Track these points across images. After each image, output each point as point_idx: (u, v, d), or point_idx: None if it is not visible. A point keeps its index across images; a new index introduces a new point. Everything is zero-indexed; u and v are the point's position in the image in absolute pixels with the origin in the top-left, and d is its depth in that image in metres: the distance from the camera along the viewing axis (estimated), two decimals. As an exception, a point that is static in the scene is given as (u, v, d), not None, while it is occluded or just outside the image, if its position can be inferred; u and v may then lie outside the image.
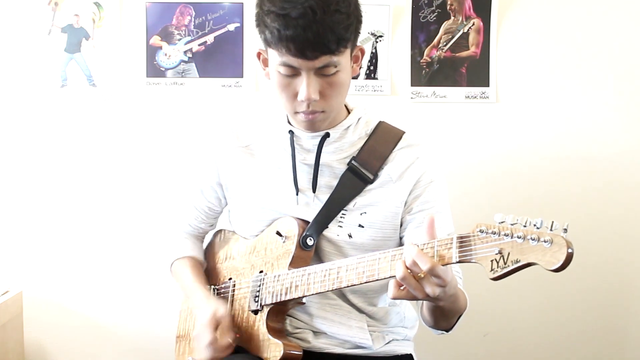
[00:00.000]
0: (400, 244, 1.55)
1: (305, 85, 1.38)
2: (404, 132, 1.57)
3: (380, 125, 1.57)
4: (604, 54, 2.22)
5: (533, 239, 1.09)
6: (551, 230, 1.08)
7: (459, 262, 1.19)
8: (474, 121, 2.23)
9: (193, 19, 2.18)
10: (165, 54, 2.19)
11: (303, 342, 1.52)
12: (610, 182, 2.24)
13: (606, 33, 2.21)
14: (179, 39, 2.18)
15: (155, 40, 2.19)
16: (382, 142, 1.54)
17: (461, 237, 1.19)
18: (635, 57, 2.23)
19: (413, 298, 1.26)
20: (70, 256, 2.22)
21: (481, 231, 1.16)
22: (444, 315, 1.43)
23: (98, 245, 2.22)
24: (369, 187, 1.50)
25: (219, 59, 2.19)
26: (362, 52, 1.49)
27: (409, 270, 1.22)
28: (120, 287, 2.23)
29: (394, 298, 1.26)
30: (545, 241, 1.07)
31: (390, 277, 1.28)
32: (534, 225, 1.10)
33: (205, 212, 1.72)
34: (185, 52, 2.19)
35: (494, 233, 1.14)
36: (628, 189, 2.25)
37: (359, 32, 1.43)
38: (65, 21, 2.17)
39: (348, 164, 1.51)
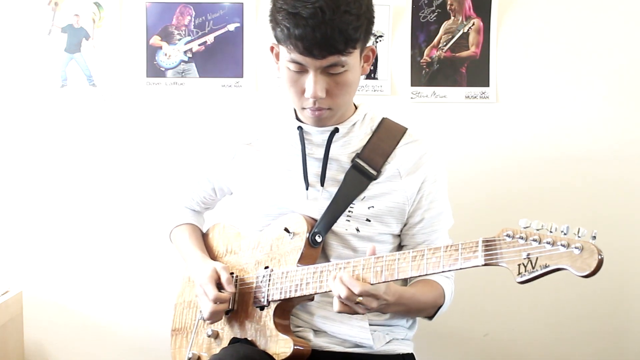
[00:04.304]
0: (399, 242, 1.60)
1: (312, 83, 1.41)
2: (406, 129, 1.61)
3: (384, 121, 1.61)
4: (604, 53, 2.22)
5: (563, 245, 1.11)
6: (579, 236, 1.10)
7: (485, 264, 1.21)
8: (474, 121, 2.23)
9: (193, 19, 2.18)
10: (165, 54, 2.19)
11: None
12: (610, 182, 2.24)
13: (606, 33, 2.21)
14: (179, 39, 2.18)
15: (155, 40, 2.19)
16: (385, 139, 1.57)
17: (487, 241, 1.21)
18: (635, 56, 2.23)
19: (355, 313, 1.36)
20: (70, 256, 2.22)
21: (508, 235, 1.18)
22: (406, 314, 1.58)
23: (98, 246, 2.22)
24: (374, 182, 1.53)
25: (219, 59, 2.19)
26: (373, 52, 1.52)
27: (347, 298, 1.33)
28: (120, 287, 2.23)
29: (339, 312, 1.36)
30: (576, 247, 1.10)
31: (410, 277, 1.31)
32: (561, 231, 1.12)
33: (202, 199, 1.78)
34: (185, 52, 2.19)
35: (522, 238, 1.16)
36: (629, 189, 2.25)
37: (370, 33, 1.45)
38: (65, 21, 2.17)
39: (352, 161, 1.54)
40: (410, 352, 1.61)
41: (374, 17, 1.45)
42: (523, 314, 2.27)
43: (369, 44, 1.48)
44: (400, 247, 1.61)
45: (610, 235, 2.24)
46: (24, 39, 2.16)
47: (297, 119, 1.57)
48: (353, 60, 1.42)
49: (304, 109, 1.49)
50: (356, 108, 1.59)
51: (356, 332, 1.52)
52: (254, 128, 1.65)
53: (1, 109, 2.19)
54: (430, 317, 1.59)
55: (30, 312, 2.21)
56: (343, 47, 1.37)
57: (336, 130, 1.53)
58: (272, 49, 1.52)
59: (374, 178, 1.53)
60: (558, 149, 2.23)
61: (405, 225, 1.57)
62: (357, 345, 1.53)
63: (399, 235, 1.59)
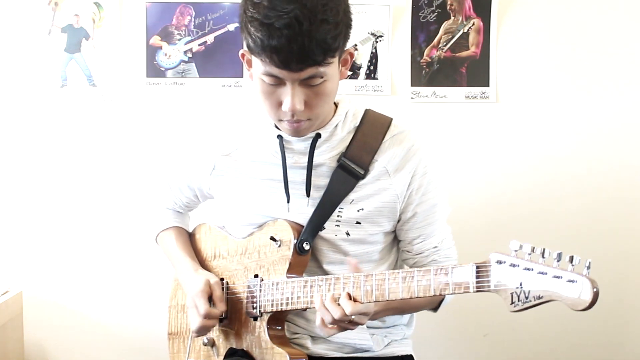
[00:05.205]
0: (395, 238, 1.57)
1: (290, 97, 1.33)
2: (391, 119, 1.54)
3: (367, 115, 1.53)
4: (604, 53, 2.22)
5: (556, 277, 1.06)
6: (572, 264, 1.05)
7: (477, 291, 1.17)
8: (474, 121, 2.23)
9: (193, 19, 2.18)
10: (165, 54, 2.19)
11: (301, 348, 1.50)
12: (610, 183, 2.24)
13: (606, 32, 2.21)
14: (179, 39, 2.18)
15: (155, 40, 2.19)
16: (370, 134, 1.50)
17: (479, 267, 1.16)
18: (635, 56, 2.23)
19: (345, 329, 1.34)
20: (70, 256, 2.22)
21: (499, 262, 1.13)
22: (402, 314, 1.57)
23: (98, 246, 2.22)
24: (362, 182, 1.47)
25: (219, 59, 2.19)
26: (352, 55, 1.44)
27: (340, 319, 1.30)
28: (120, 287, 2.23)
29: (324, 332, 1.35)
30: (569, 280, 1.05)
31: (401, 298, 1.28)
32: (554, 258, 1.07)
33: (185, 204, 1.71)
34: (185, 52, 2.19)
35: (513, 265, 1.11)
36: (629, 190, 2.25)
37: (349, 38, 1.37)
38: (65, 21, 2.17)
39: (338, 161, 1.47)
40: (409, 353, 1.60)
41: (351, 21, 1.36)
42: (523, 314, 2.26)
43: (347, 47, 1.39)
44: (394, 242, 1.58)
45: (612, 235, 2.25)
46: (24, 39, 2.16)
47: (277, 127, 1.48)
48: (332, 70, 1.33)
49: (281, 120, 1.41)
50: (336, 107, 1.50)
51: (354, 334, 1.49)
52: (232, 138, 1.57)
53: (1, 109, 2.19)
54: (435, 309, 1.56)
55: (30, 312, 2.21)
56: (322, 58, 1.28)
57: (318, 135, 1.45)
58: (242, 56, 1.43)
59: (362, 177, 1.47)
60: (558, 149, 2.23)
61: (398, 221, 1.52)
62: (356, 350, 1.52)
63: (392, 232, 1.55)
